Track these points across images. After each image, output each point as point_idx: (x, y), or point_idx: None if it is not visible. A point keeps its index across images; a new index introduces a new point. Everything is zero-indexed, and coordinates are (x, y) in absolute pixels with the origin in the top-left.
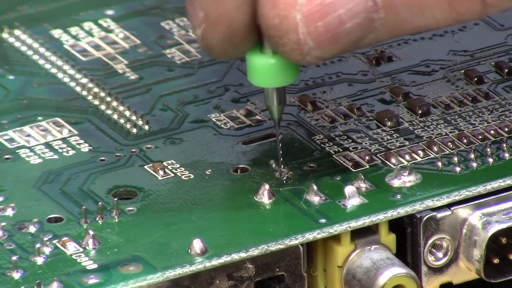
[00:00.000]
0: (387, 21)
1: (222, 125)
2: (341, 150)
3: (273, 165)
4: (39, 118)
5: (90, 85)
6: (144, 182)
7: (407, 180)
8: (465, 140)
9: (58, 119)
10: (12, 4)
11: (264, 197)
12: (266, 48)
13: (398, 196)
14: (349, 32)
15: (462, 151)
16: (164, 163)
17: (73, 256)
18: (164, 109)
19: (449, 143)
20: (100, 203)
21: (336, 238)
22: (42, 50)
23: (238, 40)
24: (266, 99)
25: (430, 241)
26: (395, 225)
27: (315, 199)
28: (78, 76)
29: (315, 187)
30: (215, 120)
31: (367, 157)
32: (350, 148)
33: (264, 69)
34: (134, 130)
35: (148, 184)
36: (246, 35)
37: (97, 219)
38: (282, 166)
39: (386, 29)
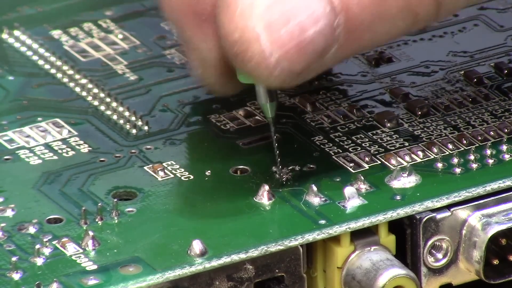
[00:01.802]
0: (347, 26)
1: (222, 126)
2: (340, 151)
3: (274, 168)
4: (39, 118)
5: (90, 85)
6: (143, 183)
7: (406, 181)
8: (464, 141)
9: (58, 120)
10: (11, 4)
11: (264, 198)
12: None
13: (398, 197)
14: (312, 39)
15: (462, 152)
16: (164, 164)
17: (73, 257)
18: (163, 110)
19: (449, 144)
20: (99, 204)
21: (336, 239)
22: (41, 50)
23: (233, 74)
24: (258, 98)
25: (429, 242)
26: (394, 226)
27: (315, 200)
28: (77, 76)
29: (314, 188)
30: (214, 121)
31: (366, 158)
32: (350, 149)
33: None
34: (134, 131)
35: (148, 185)
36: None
37: (96, 220)
38: (280, 166)
39: (348, 36)
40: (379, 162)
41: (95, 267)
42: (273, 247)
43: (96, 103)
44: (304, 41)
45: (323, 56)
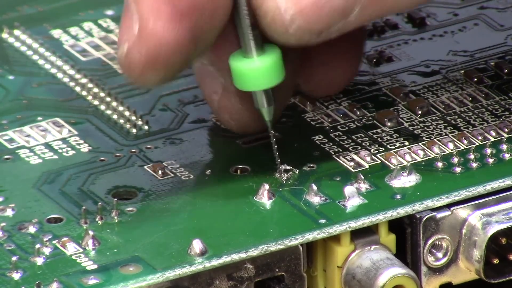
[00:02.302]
0: None
1: (222, 125)
2: (341, 151)
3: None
4: (39, 118)
5: (90, 85)
6: (144, 183)
7: (407, 180)
8: (465, 141)
9: (58, 119)
10: (11, 4)
11: (264, 197)
12: (249, 52)
13: (398, 197)
14: None
15: (462, 151)
16: (164, 163)
17: (73, 257)
18: (163, 109)
19: (449, 144)
20: (100, 204)
21: (336, 238)
22: (41, 50)
23: (162, 62)
24: (255, 102)
25: (429, 242)
26: (395, 225)
27: (315, 200)
28: (77, 76)
29: (315, 187)
30: (214, 120)
31: (367, 157)
32: (350, 148)
33: (249, 73)
34: (134, 130)
35: (148, 185)
36: (171, 58)
37: (97, 219)
38: (280, 166)
39: None
40: (379, 161)
41: (95, 266)
42: (273, 247)
43: (96, 102)
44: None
45: (345, 17)
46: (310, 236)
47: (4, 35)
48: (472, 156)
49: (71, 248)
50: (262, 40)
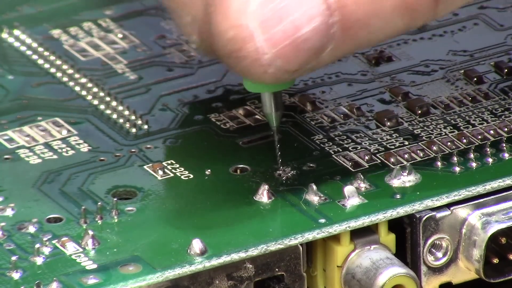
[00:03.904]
0: (343, 24)
1: (222, 125)
2: (340, 150)
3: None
4: (39, 118)
5: (90, 85)
6: (143, 182)
7: (406, 180)
8: (464, 140)
9: (58, 119)
10: (11, 4)
11: (264, 197)
12: None
13: (398, 196)
14: (308, 38)
15: (462, 151)
16: (164, 163)
17: (73, 256)
18: (163, 109)
19: (449, 143)
20: (99, 203)
21: (336, 238)
22: (41, 50)
23: None
24: (264, 106)
25: (429, 241)
26: (394, 225)
27: (315, 199)
28: (77, 76)
29: (314, 187)
30: (214, 120)
31: (366, 157)
32: (350, 148)
33: None
34: (134, 130)
35: (148, 184)
36: None
37: (96, 219)
38: (281, 168)
39: (344, 34)
40: (379, 161)
41: (94, 266)
42: (273, 246)
43: (95, 102)
44: (298, 39)
45: (319, 54)
46: (310, 236)
47: (4, 35)
48: (471, 156)
49: (70, 248)
50: None
